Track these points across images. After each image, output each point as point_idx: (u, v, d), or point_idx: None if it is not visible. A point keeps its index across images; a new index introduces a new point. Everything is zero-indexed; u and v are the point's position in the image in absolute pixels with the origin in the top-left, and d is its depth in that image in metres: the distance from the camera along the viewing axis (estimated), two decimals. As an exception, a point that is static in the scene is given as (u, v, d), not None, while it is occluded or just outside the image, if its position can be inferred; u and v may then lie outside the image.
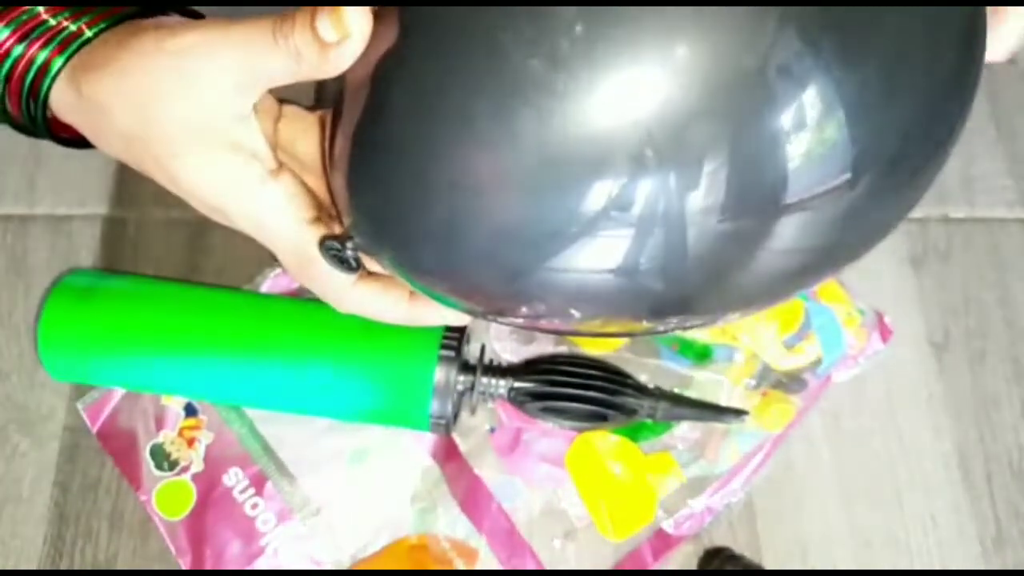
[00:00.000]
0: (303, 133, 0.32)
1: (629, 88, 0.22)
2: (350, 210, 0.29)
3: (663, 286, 0.26)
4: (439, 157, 0.25)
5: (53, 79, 0.32)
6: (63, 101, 0.33)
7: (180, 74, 0.28)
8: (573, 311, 0.28)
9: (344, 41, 0.26)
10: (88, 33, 0.32)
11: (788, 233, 0.25)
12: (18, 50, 0.32)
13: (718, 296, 0.28)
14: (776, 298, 0.31)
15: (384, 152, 0.26)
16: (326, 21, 0.26)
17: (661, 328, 0.31)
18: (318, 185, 0.33)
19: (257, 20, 0.28)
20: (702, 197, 0.24)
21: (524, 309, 0.29)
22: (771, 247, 0.26)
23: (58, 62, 0.32)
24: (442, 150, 0.25)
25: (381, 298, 0.33)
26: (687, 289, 0.27)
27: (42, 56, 0.32)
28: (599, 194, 0.24)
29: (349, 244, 0.30)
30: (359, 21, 0.26)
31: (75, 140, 0.36)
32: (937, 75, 0.25)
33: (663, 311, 0.29)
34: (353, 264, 0.31)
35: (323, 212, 0.32)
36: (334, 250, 0.30)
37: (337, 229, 0.31)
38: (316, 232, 0.31)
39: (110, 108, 0.30)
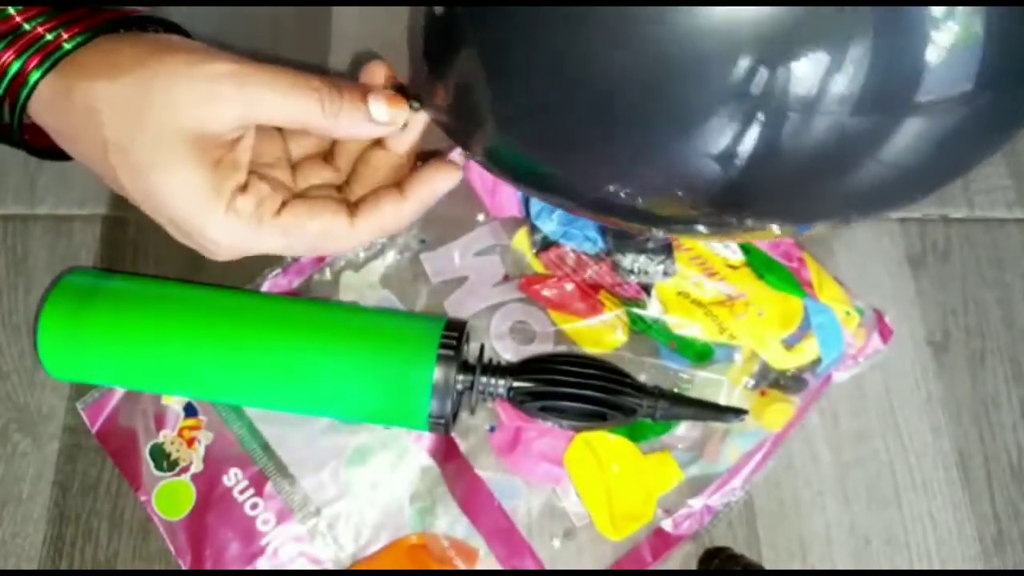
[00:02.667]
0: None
1: None
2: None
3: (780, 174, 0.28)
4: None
5: (32, 89, 0.32)
6: (43, 104, 0.32)
7: (203, 96, 0.30)
8: (680, 190, 0.30)
9: (389, 124, 0.33)
10: (67, 46, 0.32)
11: (906, 137, 0.26)
12: None
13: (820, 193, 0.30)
14: (872, 208, 0.32)
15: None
16: (381, 105, 0.33)
17: (703, 220, 0.33)
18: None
19: (284, 75, 0.32)
20: (845, 83, 0.25)
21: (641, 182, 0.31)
22: (888, 150, 0.27)
23: (35, 74, 0.32)
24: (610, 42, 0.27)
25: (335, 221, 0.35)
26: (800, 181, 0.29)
27: (16, 64, 0.32)
28: (744, 75, 0.25)
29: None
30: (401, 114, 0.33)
31: (49, 150, 0.36)
32: None
33: (757, 203, 0.30)
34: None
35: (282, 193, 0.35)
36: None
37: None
38: (274, 224, 0.34)
39: (99, 112, 0.31)
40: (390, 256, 0.45)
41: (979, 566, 0.42)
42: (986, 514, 0.43)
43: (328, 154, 0.38)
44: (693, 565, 0.41)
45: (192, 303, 0.40)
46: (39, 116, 0.33)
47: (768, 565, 0.41)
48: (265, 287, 0.45)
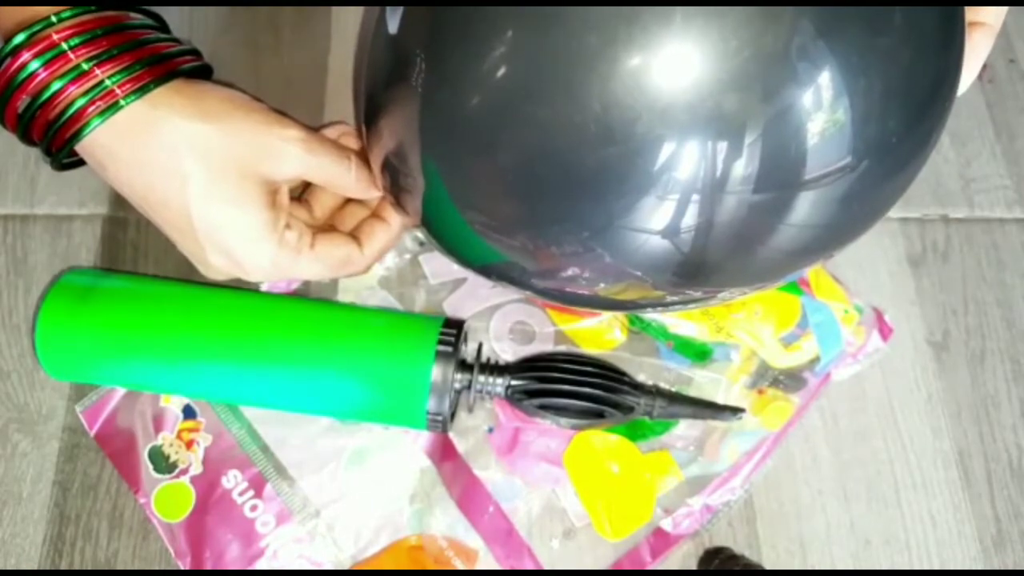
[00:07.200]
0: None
1: (677, 63, 0.26)
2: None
3: (693, 251, 0.30)
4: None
5: (92, 129, 0.34)
6: (114, 130, 0.34)
7: (278, 152, 0.36)
8: (605, 267, 0.32)
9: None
10: (122, 103, 0.34)
11: (802, 208, 0.29)
12: (56, 85, 0.34)
13: (735, 267, 0.32)
14: (780, 274, 0.35)
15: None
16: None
17: (670, 299, 0.35)
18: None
19: (332, 145, 0.39)
20: (742, 167, 0.27)
21: (564, 262, 0.33)
22: (786, 221, 0.29)
23: (96, 121, 0.34)
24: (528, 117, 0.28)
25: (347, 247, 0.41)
26: (713, 255, 0.30)
27: (80, 102, 0.34)
28: (660, 156, 0.27)
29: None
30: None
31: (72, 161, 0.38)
32: (924, 77, 0.30)
33: (683, 278, 0.32)
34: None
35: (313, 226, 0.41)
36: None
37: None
38: (311, 253, 0.39)
39: (187, 148, 0.35)
40: (389, 258, 0.45)
41: (979, 566, 0.41)
42: (986, 514, 0.43)
43: (302, 198, 0.43)
44: (693, 565, 0.41)
45: (191, 302, 0.40)
46: (96, 140, 0.35)
47: (768, 565, 0.41)
48: (264, 286, 0.45)
